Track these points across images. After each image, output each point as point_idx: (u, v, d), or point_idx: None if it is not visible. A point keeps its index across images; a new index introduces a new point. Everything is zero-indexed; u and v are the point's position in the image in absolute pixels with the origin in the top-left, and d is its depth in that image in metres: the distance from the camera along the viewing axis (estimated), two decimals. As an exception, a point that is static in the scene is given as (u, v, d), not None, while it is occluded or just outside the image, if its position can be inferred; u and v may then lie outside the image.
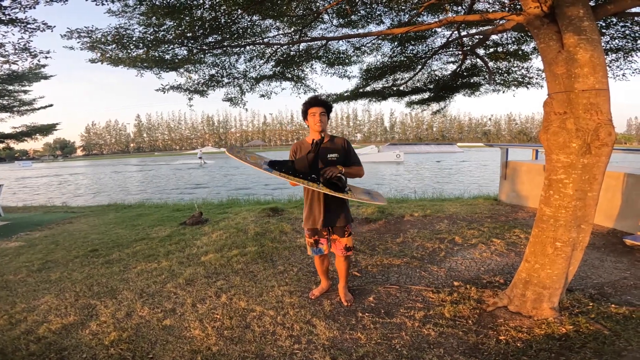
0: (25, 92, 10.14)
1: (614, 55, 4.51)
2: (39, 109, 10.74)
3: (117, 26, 3.45)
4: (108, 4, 3.19)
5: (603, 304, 2.63)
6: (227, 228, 5.30)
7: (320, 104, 2.67)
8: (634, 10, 2.94)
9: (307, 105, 2.69)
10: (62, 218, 7.16)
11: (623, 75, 4.66)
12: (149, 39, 3.61)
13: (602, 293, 2.87)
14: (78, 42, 3.43)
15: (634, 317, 2.43)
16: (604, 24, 4.03)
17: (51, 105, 11.38)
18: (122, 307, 2.95)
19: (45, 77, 10.04)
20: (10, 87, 9.65)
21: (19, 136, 10.29)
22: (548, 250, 2.44)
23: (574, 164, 2.28)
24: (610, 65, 4.61)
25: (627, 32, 4.09)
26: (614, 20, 3.94)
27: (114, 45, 3.55)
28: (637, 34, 4.07)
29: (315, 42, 4.81)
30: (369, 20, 4.63)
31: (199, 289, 3.25)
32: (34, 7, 3.17)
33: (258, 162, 2.56)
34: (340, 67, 5.68)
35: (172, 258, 4.10)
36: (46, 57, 4.41)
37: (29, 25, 3.52)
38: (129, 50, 3.67)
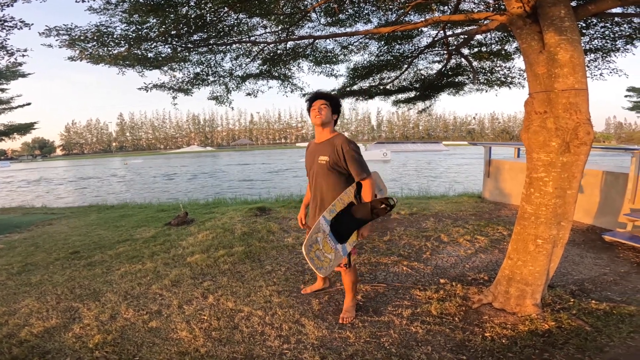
0: (2, 90, 9.85)
1: (592, 55, 4.63)
2: (16, 107, 10.46)
3: (98, 24, 3.36)
4: (89, 1, 3.11)
5: (584, 300, 2.70)
6: (214, 228, 5.24)
7: (321, 97, 2.45)
8: (614, 10, 3.02)
9: (309, 102, 2.47)
10: (42, 220, 6.95)
11: (601, 74, 4.79)
12: (131, 36, 3.53)
13: (582, 289, 2.95)
14: (57, 40, 3.33)
15: (615, 313, 2.50)
16: (584, 25, 4.13)
17: (29, 104, 11.12)
18: (105, 310, 2.89)
19: (23, 75, 9.76)
20: (-13, 85, 9.36)
21: (-4, 135, 9.98)
22: (530, 247, 2.50)
23: (554, 163, 2.33)
24: (589, 65, 4.74)
25: (606, 32, 4.19)
26: (594, 20, 4.04)
27: (94, 43, 3.46)
28: (616, 35, 4.18)
29: (303, 41, 4.80)
30: (356, 19, 4.64)
31: (185, 290, 3.20)
32: (12, 5, 3.06)
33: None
34: (328, 65, 5.67)
35: (157, 259, 4.03)
36: (23, 55, 4.27)
37: (6, 23, 3.41)
38: (109, 48, 3.58)
